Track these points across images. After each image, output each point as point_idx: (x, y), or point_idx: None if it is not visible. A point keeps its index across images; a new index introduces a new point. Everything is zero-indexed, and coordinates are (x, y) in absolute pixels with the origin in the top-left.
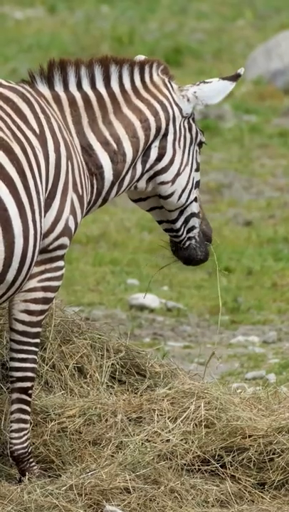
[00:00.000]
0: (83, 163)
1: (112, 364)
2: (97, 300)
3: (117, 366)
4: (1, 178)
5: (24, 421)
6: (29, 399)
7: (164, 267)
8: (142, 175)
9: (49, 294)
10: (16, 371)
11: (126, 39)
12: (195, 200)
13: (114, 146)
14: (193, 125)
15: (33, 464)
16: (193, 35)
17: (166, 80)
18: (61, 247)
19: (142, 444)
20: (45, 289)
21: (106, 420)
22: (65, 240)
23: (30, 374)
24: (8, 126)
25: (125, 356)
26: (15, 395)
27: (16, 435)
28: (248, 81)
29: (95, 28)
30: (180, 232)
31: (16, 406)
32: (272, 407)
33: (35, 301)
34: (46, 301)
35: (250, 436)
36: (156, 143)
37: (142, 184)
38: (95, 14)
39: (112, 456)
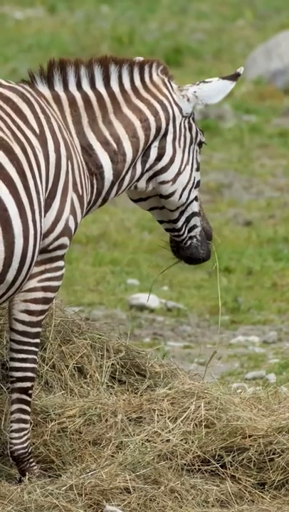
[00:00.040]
0: (83, 163)
1: (112, 364)
2: (97, 300)
3: (117, 366)
4: (1, 178)
5: (24, 421)
6: (29, 399)
7: (166, 270)
8: (142, 175)
9: (49, 294)
10: (16, 371)
11: (126, 39)
12: (195, 199)
13: (114, 145)
14: (194, 125)
15: (33, 464)
16: (193, 35)
17: (166, 80)
18: (61, 247)
19: (142, 444)
20: (45, 289)
21: (106, 420)
22: (65, 240)
23: (30, 374)
24: (8, 126)
25: (125, 356)
26: (15, 395)
27: (16, 435)
28: (248, 81)
29: (95, 28)
30: (181, 232)
31: (16, 406)
32: (273, 407)
33: (35, 301)
34: (46, 301)
35: (250, 436)
36: (156, 143)
37: (142, 184)
38: (95, 14)
39: (112, 456)
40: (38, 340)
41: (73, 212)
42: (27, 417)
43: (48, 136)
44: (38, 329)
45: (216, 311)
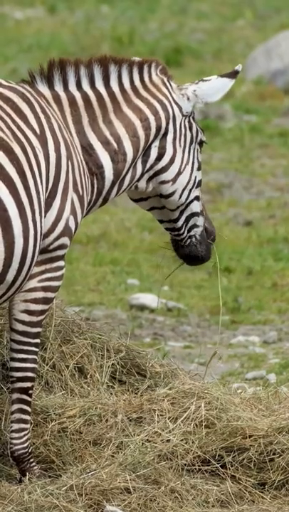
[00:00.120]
0: (83, 162)
1: (113, 364)
2: (97, 300)
3: (118, 366)
4: (1, 178)
5: (24, 421)
6: (29, 399)
7: (171, 274)
8: (143, 175)
9: (49, 294)
10: (16, 371)
11: (126, 39)
12: (196, 199)
13: (115, 145)
14: (194, 124)
15: (34, 464)
16: (193, 35)
17: (165, 80)
18: (61, 247)
19: (143, 444)
20: (45, 289)
21: (106, 420)
22: (65, 240)
23: (30, 374)
24: (8, 126)
25: (125, 356)
26: (15, 395)
27: (16, 435)
28: (248, 81)
29: (95, 28)
30: (181, 231)
31: (16, 406)
32: (273, 407)
33: (35, 301)
34: (46, 301)
35: (250, 436)
36: (157, 142)
37: (142, 184)
38: (95, 14)
39: (113, 456)
40: (38, 341)
41: (74, 212)
42: (27, 417)
43: (48, 136)
44: (38, 329)
45: (217, 311)
